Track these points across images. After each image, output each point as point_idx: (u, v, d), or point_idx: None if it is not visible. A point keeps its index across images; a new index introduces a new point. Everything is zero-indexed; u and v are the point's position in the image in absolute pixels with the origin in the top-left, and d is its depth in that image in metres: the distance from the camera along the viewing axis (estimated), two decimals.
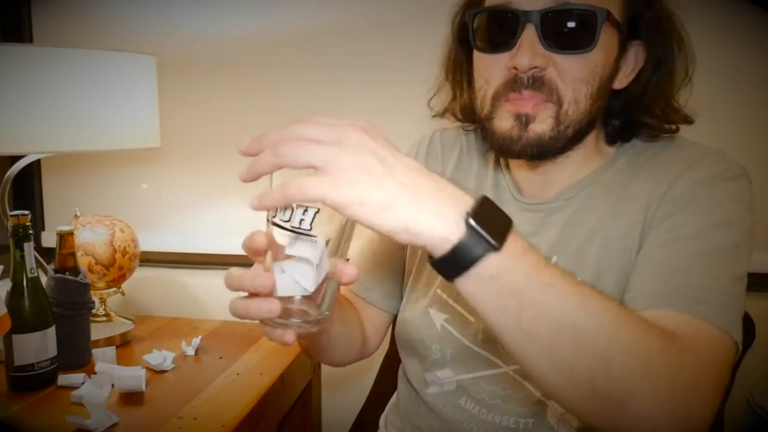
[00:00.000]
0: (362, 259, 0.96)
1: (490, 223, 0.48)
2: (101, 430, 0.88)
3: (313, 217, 0.50)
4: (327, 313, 0.55)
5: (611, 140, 0.82)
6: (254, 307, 0.52)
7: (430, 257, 0.49)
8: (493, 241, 0.47)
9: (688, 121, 0.80)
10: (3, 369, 1.02)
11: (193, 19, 1.45)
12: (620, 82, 0.78)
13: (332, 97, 1.41)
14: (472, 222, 0.47)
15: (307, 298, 0.54)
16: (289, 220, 0.51)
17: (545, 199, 0.81)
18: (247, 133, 1.62)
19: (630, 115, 0.79)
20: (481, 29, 0.76)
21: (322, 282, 0.53)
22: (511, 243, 0.49)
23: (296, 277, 0.52)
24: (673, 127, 0.80)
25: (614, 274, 0.74)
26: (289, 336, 0.54)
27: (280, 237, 0.53)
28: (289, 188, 0.47)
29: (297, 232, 0.51)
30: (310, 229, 0.51)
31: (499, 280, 0.48)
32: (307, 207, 0.51)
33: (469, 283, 0.48)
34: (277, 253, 0.53)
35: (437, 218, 0.47)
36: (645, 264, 0.70)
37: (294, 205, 0.51)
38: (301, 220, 0.51)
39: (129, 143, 1.22)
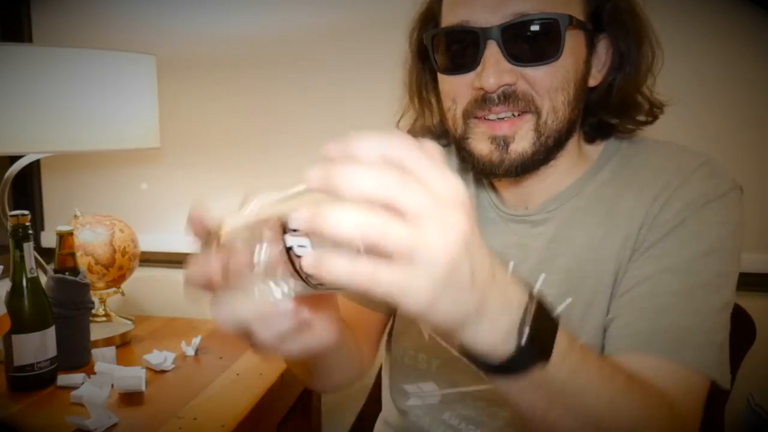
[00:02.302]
0: None
1: (542, 330, 0.44)
2: (101, 430, 0.88)
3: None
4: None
5: (590, 139, 0.79)
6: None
7: (464, 348, 0.44)
8: (543, 355, 0.45)
9: (659, 108, 0.78)
10: (3, 369, 1.02)
11: (193, 19, 1.45)
12: (594, 79, 0.76)
13: (333, 97, 1.41)
14: (526, 337, 0.43)
15: None
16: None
17: (529, 211, 0.79)
18: (247, 133, 1.62)
19: (605, 111, 0.77)
20: (441, 50, 0.73)
21: None
22: (557, 347, 0.46)
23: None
24: (649, 118, 0.78)
25: (606, 296, 0.73)
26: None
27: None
28: (341, 271, 0.35)
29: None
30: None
31: (539, 385, 0.46)
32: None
33: (505, 383, 0.46)
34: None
35: (494, 331, 0.42)
36: (630, 298, 0.70)
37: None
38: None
39: (129, 143, 1.22)
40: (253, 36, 1.43)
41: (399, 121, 0.90)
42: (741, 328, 0.95)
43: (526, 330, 0.43)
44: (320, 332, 0.50)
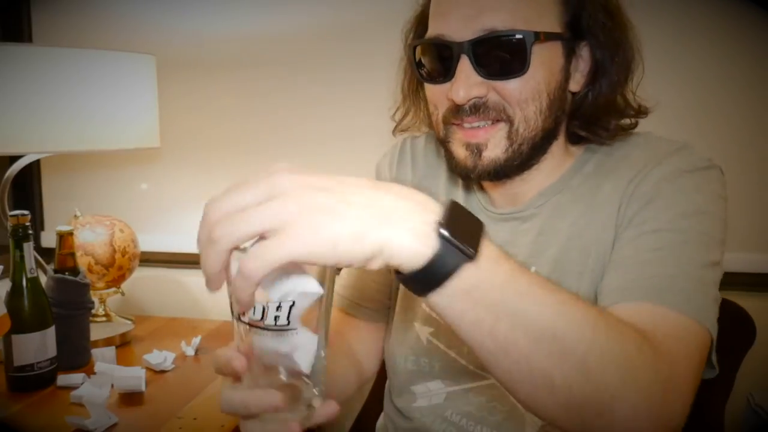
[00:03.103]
0: (350, 275, 0.94)
1: (463, 230, 0.44)
2: (101, 430, 0.88)
3: (289, 311, 0.46)
4: (319, 393, 0.52)
5: (574, 141, 0.80)
6: (253, 402, 0.50)
7: (398, 272, 0.45)
8: (468, 251, 0.44)
9: (642, 113, 0.79)
10: (3, 369, 1.02)
11: (193, 19, 1.45)
12: (577, 84, 0.76)
13: (332, 98, 1.41)
14: (444, 232, 0.43)
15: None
16: (262, 318, 0.46)
17: (517, 208, 0.80)
18: (247, 132, 1.62)
19: (585, 117, 0.77)
20: (422, 60, 0.76)
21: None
22: (486, 251, 0.45)
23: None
24: (631, 121, 0.79)
25: (592, 278, 0.73)
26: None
27: (257, 338, 0.48)
28: (250, 268, 0.41)
29: (274, 330, 0.46)
30: (288, 324, 0.46)
31: (475, 293, 0.45)
32: (280, 303, 0.45)
33: (442, 298, 0.45)
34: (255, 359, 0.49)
35: (408, 233, 0.43)
36: (615, 261, 0.70)
37: (264, 304, 0.45)
38: (276, 317, 0.46)
39: (129, 143, 1.22)
40: (253, 36, 1.43)
41: (394, 113, 0.91)
42: (741, 328, 0.95)
43: (443, 229, 0.43)
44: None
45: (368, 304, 0.91)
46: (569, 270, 0.75)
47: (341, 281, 0.94)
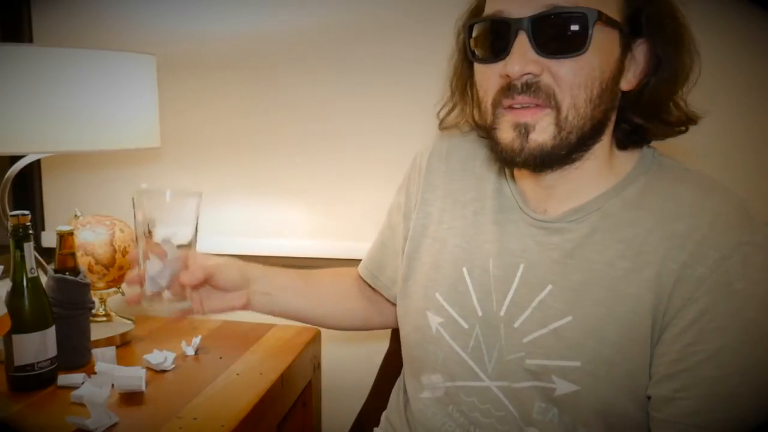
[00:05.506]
0: (374, 247, 1.02)
1: None
2: (101, 430, 0.88)
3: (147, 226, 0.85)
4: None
5: (622, 145, 0.79)
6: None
7: None
8: None
9: (692, 121, 0.78)
10: (3, 369, 1.02)
11: (193, 19, 1.45)
12: (628, 83, 0.75)
13: (332, 98, 1.41)
14: None
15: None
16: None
17: (548, 216, 0.79)
18: (247, 133, 1.62)
19: (636, 112, 0.77)
20: (476, 40, 0.76)
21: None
22: None
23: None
24: (682, 128, 0.78)
25: (616, 333, 0.72)
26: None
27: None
28: None
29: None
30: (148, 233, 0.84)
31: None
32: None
33: None
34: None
35: None
36: (684, 376, 0.69)
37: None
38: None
39: (129, 143, 1.22)
40: (253, 36, 1.43)
41: (440, 111, 0.91)
42: None
43: None
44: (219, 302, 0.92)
45: (382, 277, 1.00)
46: (588, 306, 0.73)
47: (367, 254, 1.04)
